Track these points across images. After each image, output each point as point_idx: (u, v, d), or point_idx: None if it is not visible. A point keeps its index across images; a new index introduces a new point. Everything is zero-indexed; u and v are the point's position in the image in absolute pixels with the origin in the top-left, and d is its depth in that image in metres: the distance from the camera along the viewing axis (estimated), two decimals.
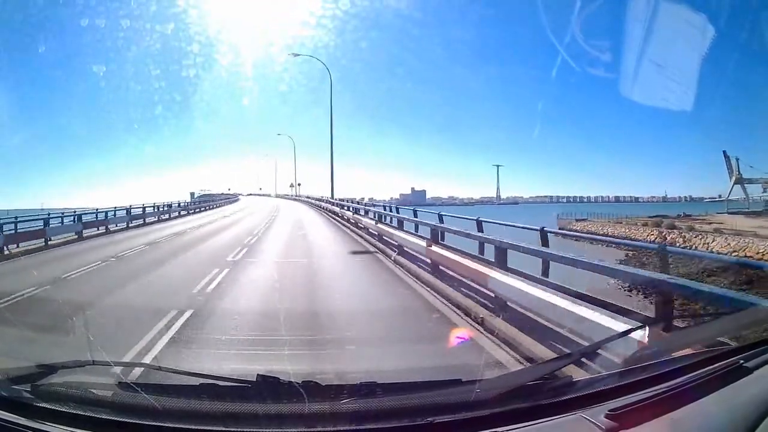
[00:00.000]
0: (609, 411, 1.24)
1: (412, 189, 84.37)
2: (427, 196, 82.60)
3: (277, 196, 57.06)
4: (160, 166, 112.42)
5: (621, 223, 37.97)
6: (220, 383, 1.49)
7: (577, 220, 41.75)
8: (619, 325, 3.07)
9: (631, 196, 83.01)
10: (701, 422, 1.25)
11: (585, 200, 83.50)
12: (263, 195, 64.76)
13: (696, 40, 5.02)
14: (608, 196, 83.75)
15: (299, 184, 52.37)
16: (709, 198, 62.89)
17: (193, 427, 1.29)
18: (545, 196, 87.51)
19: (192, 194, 48.20)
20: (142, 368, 2.72)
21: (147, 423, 1.30)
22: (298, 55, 24.96)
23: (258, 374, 1.44)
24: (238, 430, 1.29)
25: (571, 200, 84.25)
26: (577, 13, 7.01)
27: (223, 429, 1.29)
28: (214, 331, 4.97)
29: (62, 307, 5.77)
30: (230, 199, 49.85)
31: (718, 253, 21.43)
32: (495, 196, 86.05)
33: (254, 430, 1.30)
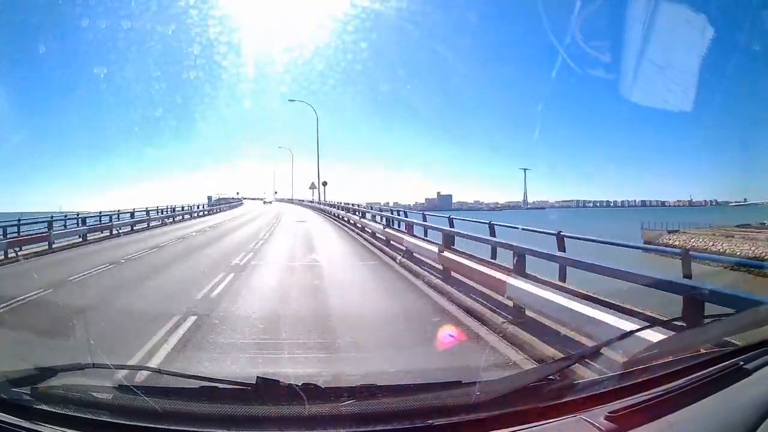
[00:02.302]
0: (609, 413, 1.24)
1: (438, 194, 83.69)
2: (453, 201, 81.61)
3: (300, 201, 45.14)
4: (177, 169, 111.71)
5: (732, 236, 30.84)
6: (220, 386, 1.49)
7: (669, 232, 34.91)
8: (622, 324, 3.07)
9: (657, 201, 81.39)
10: (701, 424, 1.24)
11: (611, 204, 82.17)
12: (265, 200, 58.62)
13: (696, 41, 5.01)
14: (634, 200, 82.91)
15: (324, 184, 35.90)
16: (735, 202, 59.81)
17: (193, 429, 1.29)
18: (571, 201, 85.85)
19: (209, 198, 48.46)
20: (142, 371, 2.73)
21: (146, 425, 1.29)
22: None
23: (258, 377, 1.43)
24: None
25: (598, 204, 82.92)
26: (576, 13, 7.02)
27: None
28: None
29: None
30: (232, 204, 49.50)
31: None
32: (522, 200, 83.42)
33: None
